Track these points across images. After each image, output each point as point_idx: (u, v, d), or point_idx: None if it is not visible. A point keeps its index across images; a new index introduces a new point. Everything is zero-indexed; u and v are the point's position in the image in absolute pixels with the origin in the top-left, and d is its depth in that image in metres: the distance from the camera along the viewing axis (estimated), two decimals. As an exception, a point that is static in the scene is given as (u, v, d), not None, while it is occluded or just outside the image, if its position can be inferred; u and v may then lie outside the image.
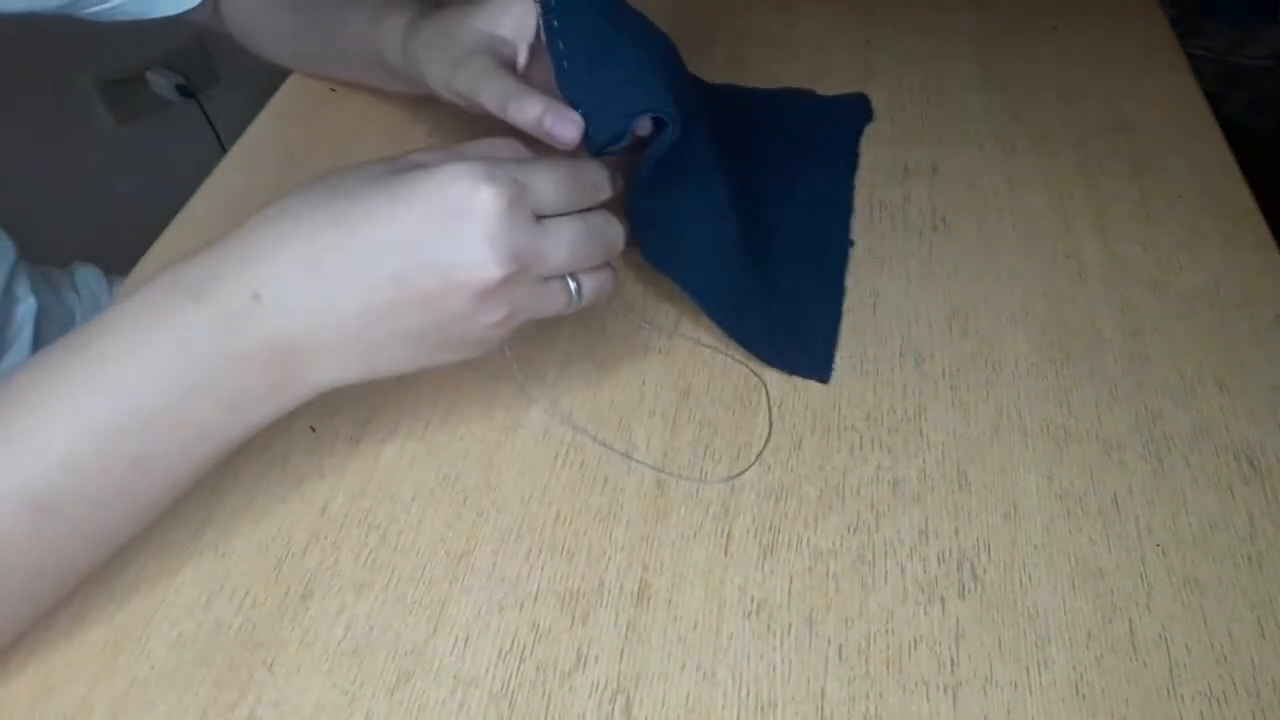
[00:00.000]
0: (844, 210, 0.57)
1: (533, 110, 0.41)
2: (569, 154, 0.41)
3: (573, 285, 0.39)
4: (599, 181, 0.40)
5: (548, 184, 0.37)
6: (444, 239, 0.35)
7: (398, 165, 0.37)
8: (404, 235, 0.35)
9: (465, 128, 0.63)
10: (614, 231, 0.40)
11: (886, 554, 0.40)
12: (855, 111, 0.65)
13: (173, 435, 0.35)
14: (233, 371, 0.35)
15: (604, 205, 0.40)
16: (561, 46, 0.43)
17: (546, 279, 0.38)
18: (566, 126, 0.41)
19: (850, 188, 0.58)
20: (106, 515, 0.36)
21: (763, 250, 0.52)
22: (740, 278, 0.48)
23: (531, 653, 0.37)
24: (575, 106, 0.41)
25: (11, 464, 0.33)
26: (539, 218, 0.37)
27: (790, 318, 0.50)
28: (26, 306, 0.63)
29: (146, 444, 0.35)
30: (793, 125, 0.62)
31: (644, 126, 0.41)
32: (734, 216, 0.48)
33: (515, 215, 0.35)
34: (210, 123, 1.40)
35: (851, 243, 0.55)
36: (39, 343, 0.64)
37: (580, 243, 0.38)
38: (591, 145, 0.41)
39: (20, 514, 0.33)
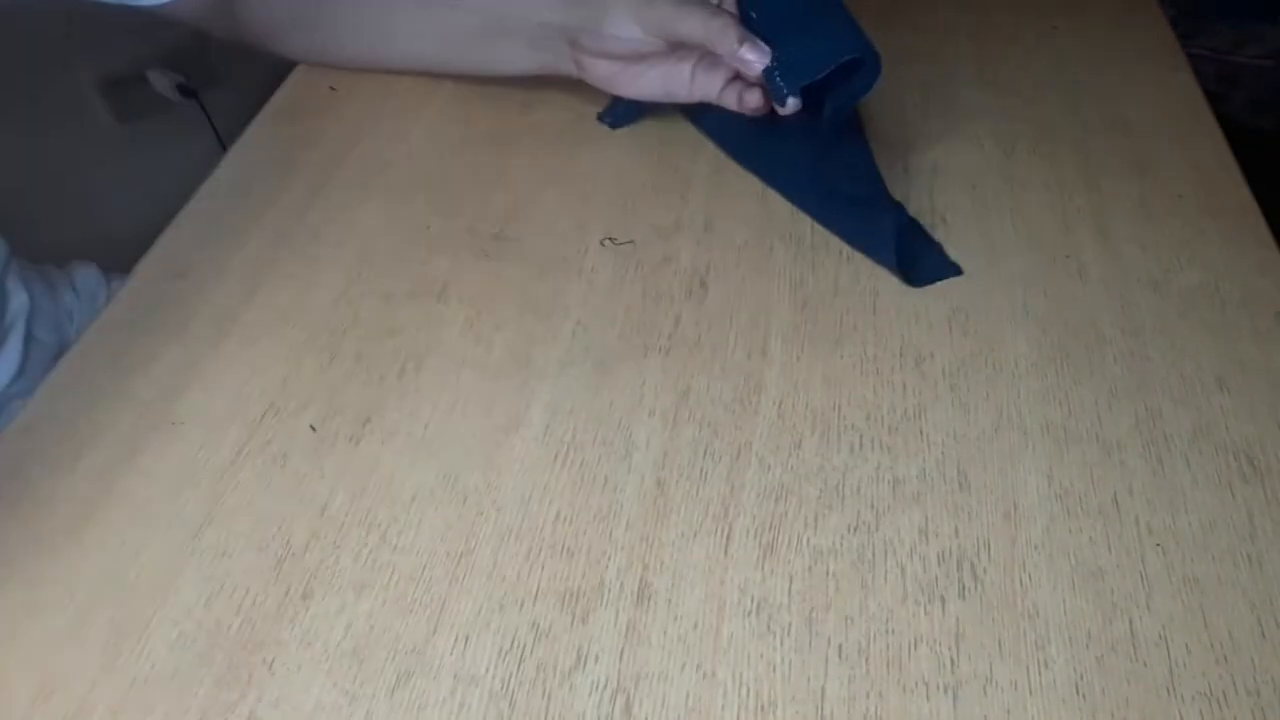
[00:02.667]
0: (858, 131, 0.59)
1: (733, 35, 0.45)
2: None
3: None
4: None
5: None
6: None
7: None
8: None
9: (462, 130, 0.63)
10: None
11: (886, 554, 0.40)
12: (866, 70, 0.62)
13: None
14: None
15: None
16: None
17: None
18: (759, 54, 0.45)
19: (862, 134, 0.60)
20: None
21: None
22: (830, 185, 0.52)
23: (531, 652, 0.38)
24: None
25: None
26: None
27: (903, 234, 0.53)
28: (18, 303, 0.63)
29: None
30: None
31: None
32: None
33: None
34: (210, 122, 1.39)
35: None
36: (29, 340, 0.64)
37: None
38: (775, 93, 0.46)
39: None
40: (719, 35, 0.45)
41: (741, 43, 0.45)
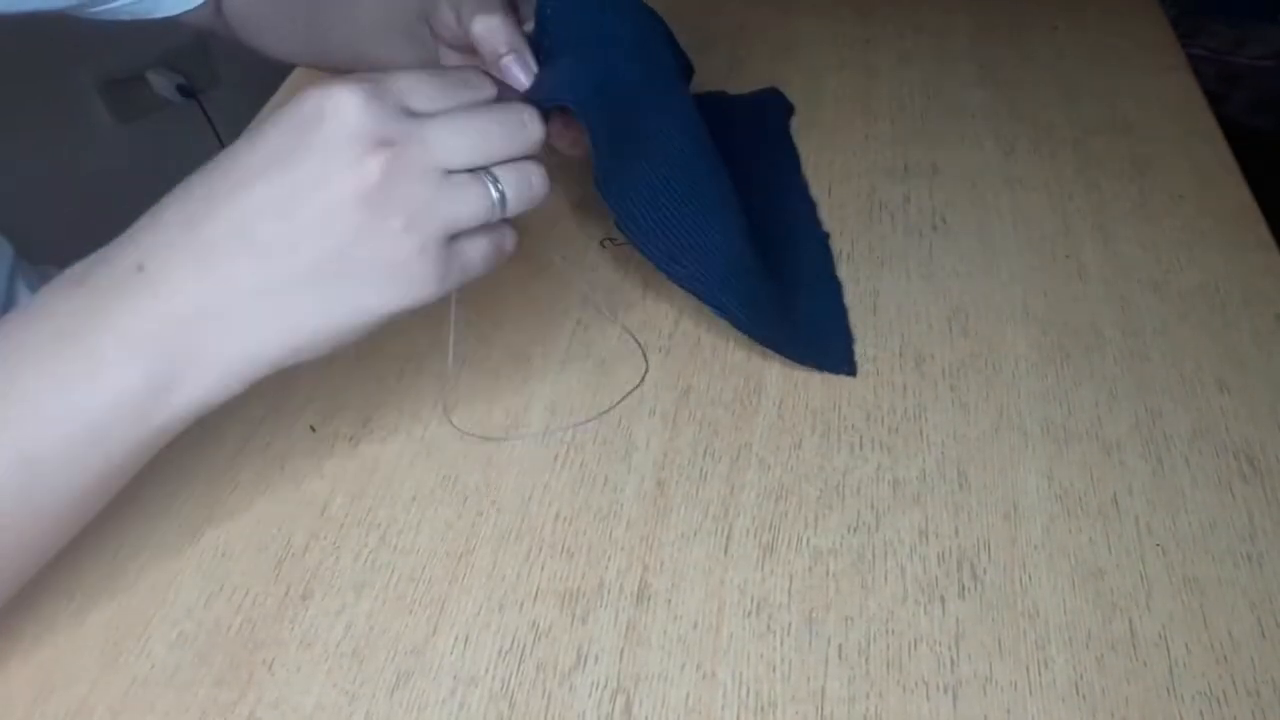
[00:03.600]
0: (806, 203, 0.57)
1: (502, 41, 0.41)
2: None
3: (488, 180, 0.35)
4: (472, 80, 0.36)
5: (408, 78, 0.34)
6: (305, 150, 0.32)
7: None
8: (266, 161, 0.33)
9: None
10: (521, 115, 0.36)
11: (886, 554, 0.40)
12: (776, 105, 0.64)
13: (62, 432, 0.32)
14: (119, 354, 0.32)
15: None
16: (545, 32, 0.43)
17: (451, 174, 0.34)
18: (520, 71, 0.41)
19: (802, 177, 0.59)
20: (12, 520, 0.33)
21: (760, 252, 0.52)
22: (755, 281, 0.48)
23: (531, 652, 0.37)
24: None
25: None
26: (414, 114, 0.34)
27: (804, 316, 0.50)
28: (25, 306, 0.63)
29: (34, 442, 0.32)
30: (728, 127, 0.59)
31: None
32: (741, 219, 0.47)
33: (376, 103, 0.33)
34: (210, 123, 1.40)
35: (826, 233, 0.55)
36: None
37: (472, 124, 0.34)
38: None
39: None
40: (483, 29, 0.41)
41: (507, 54, 0.41)
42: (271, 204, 0.32)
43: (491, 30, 0.41)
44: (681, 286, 0.45)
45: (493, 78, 0.38)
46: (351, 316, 0.34)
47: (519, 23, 0.44)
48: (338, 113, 0.32)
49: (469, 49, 0.47)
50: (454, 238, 0.35)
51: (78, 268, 0.34)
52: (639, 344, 0.49)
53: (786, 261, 0.53)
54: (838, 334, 0.49)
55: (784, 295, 0.50)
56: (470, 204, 0.35)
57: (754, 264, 0.47)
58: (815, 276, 0.52)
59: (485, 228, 0.36)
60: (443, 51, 0.50)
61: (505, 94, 0.39)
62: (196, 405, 0.34)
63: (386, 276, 0.34)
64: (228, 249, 0.33)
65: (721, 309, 0.46)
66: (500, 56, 0.41)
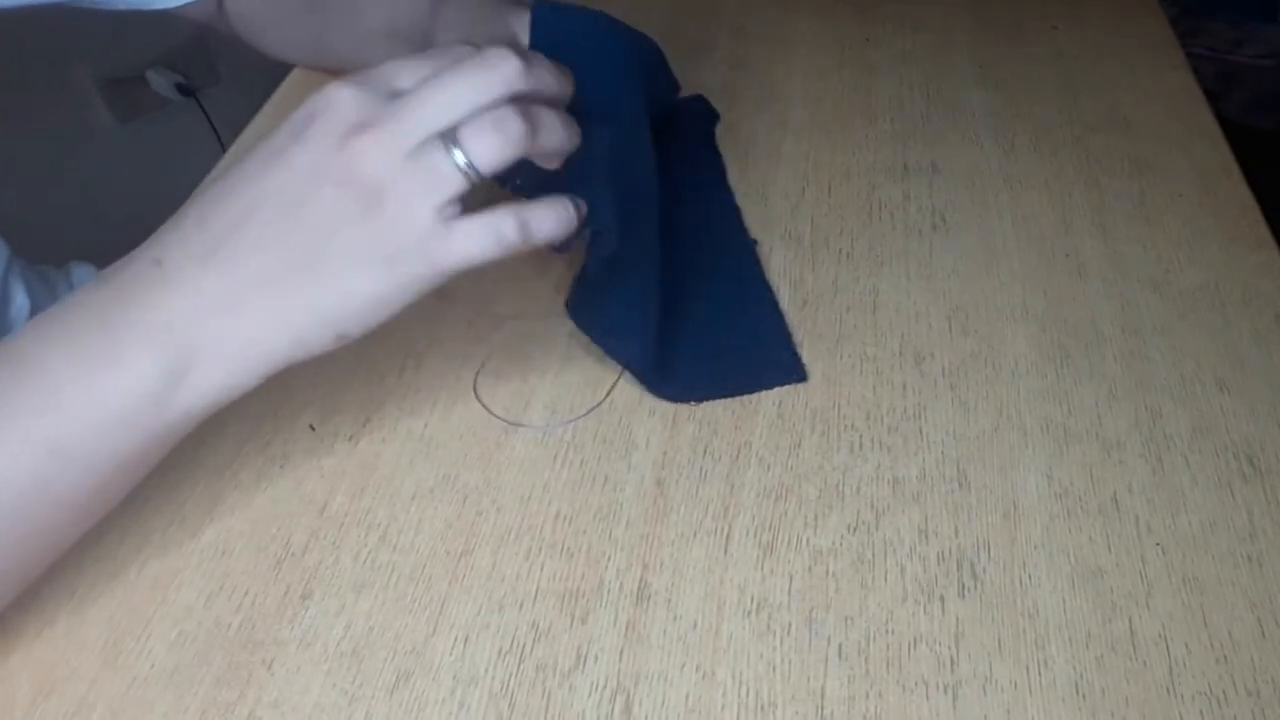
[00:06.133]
0: (731, 211, 0.56)
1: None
2: None
3: (450, 148, 0.34)
4: (460, 50, 0.35)
5: (400, 60, 0.35)
6: (300, 144, 0.34)
7: None
8: (268, 158, 0.34)
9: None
10: (492, 59, 0.34)
11: (886, 553, 0.40)
12: (701, 113, 0.63)
13: (85, 416, 0.34)
14: (139, 340, 0.34)
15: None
16: None
17: (422, 149, 0.33)
18: None
19: (727, 188, 0.57)
20: (31, 509, 0.34)
21: (674, 287, 0.50)
22: (670, 329, 0.47)
23: (531, 652, 0.37)
24: None
25: None
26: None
27: (739, 339, 0.49)
28: (20, 305, 0.63)
29: (58, 426, 0.33)
30: (658, 139, 0.56)
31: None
32: (658, 268, 0.47)
33: (363, 91, 0.34)
34: (210, 122, 1.39)
35: (754, 241, 0.54)
36: None
37: (443, 84, 0.34)
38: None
39: None
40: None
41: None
42: (268, 195, 0.34)
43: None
44: (613, 358, 0.46)
45: (522, 52, 0.37)
46: (346, 301, 0.35)
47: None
48: (329, 105, 0.34)
49: None
50: (450, 220, 0.34)
51: (109, 268, 0.36)
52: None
53: (714, 277, 0.52)
54: (777, 343, 0.48)
55: (711, 329, 0.49)
56: (436, 177, 0.34)
57: (668, 311, 0.47)
58: (745, 288, 0.51)
59: (486, 212, 0.35)
60: None
61: None
62: (211, 396, 0.35)
63: (377, 259, 0.34)
64: (231, 241, 0.34)
65: (651, 386, 0.46)
66: None
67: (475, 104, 0.34)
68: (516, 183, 0.39)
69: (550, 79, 0.36)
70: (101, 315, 0.34)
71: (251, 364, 0.35)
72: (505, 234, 0.35)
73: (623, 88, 0.48)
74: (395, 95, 0.34)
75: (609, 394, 0.47)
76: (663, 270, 0.48)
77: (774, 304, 0.50)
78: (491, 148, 0.34)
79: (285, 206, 0.34)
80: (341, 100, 0.34)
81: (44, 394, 0.34)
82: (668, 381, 0.46)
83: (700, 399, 0.46)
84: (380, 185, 0.33)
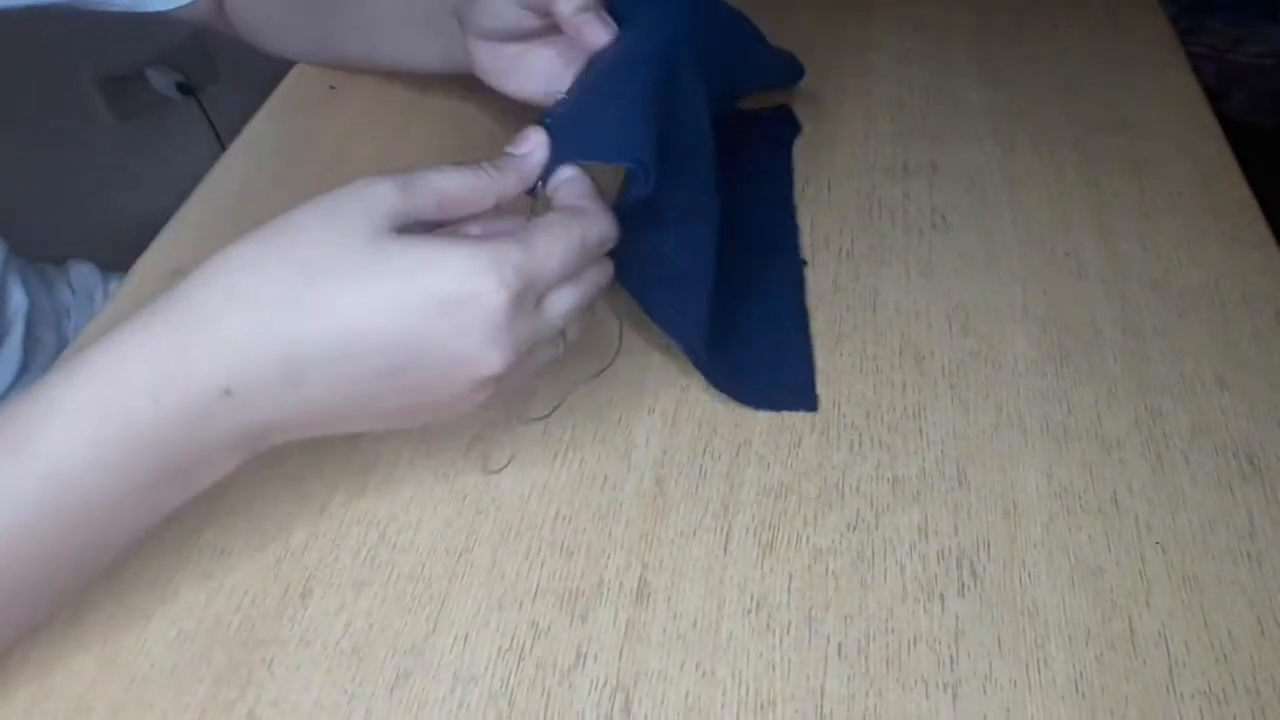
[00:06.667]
0: (789, 228, 0.55)
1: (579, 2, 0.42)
2: (572, 211, 0.37)
3: (561, 340, 0.37)
4: (606, 237, 0.37)
5: (554, 263, 0.34)
6: (447, 338, 0.32)
7: (377, 226, 0.33)
8: (402, 337, 0.32)
9: (460, 129, 0.63)
10: (605, 276, 0.38)
11: (886, 552, 0.40)
12: (784, 124, 0.63)
13: (123, 512, 0.34)
14: (192, 458, 0.33)
15: None
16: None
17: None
18: (601, 29, 0.42)
19: (792, 206, 0.57)
20: (48, 572, 0.34)
21: (724, 285, 0.50)
22: (714, 320, 0.47)
23: (531, 651, 0.37)
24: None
25: None
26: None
27: (762, 354, 0.48)
28: (17, 304, 0.63)
29: (93, 531, 0.33)
30: (734, 143, 0.57)
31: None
32: (714, 254, 0.46)
33: (521, 307, 0.33)
34: (210, 121, 1.39)
35: (804, 261, 0.53)
36: (29, 340, 0.64)
37: (577, 310, 0.36)
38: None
39: None
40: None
41: (584, 9, 0.42)
42: (391, 370, 0.33)
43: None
44: (670, 336, 0.46)
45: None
46: (389, 429, 0.37)
47: None
48: (489, 311, 0.32)
49: (514, 38, 0.47)
50: None
51: (142, 365, 0.32)
52: (619, 322, 0.48)
53: (753, 289, 0.51)
54: (797, 366, 0.48)
55: (737, 339, 0.49)
56: (542, 365, 0.37)
57: (715, 302, 0.47)
58: (782, 306, 0.51)
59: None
60: (475, 45, 0.50)
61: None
62: (238, 463, 0.36)
63: (440, 415, 0.36)
64: (324, 395, 0.33)
65: (698, 364, 0.46)
66: (578, 11, 0.42)
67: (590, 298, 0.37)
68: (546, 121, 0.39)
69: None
70: (161, 446, 0.32)
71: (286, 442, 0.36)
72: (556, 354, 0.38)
73: (677, 40, 0.47)
74: (540, 294, 0.35)
75: (615, 355, 0.46)
76: (718, 251, 0.46)
77: (806, 329, 0.50)
78: (581, 322, 0.38)
79: (406, 391, 0.34)
80: (501, 302, 0.32)
81: (103, 524, 0.33)
82: (709, 359, 0.46)
83: (722, 391, 0.46)
84: (508, 387, 0.36)
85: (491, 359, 0.33)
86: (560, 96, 0.42)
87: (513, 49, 0.49)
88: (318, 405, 0.33)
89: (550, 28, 0.45)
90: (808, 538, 0.41)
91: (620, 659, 0.37)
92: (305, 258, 0.32)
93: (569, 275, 0.36)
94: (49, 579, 0.34)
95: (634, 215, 0.39)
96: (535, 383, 0.38)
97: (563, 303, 0.36)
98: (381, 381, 0.33)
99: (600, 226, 0.37)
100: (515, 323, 0.33)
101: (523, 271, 0.33)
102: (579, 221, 0.36)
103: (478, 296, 0.32)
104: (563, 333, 0.37)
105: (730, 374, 0.47)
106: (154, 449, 0.32)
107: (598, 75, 0.43)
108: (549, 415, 0.45)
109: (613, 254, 0.39)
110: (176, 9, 0.61)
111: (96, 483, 0.32)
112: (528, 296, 0.34)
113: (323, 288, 0.32)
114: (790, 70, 0.63)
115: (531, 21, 0.46)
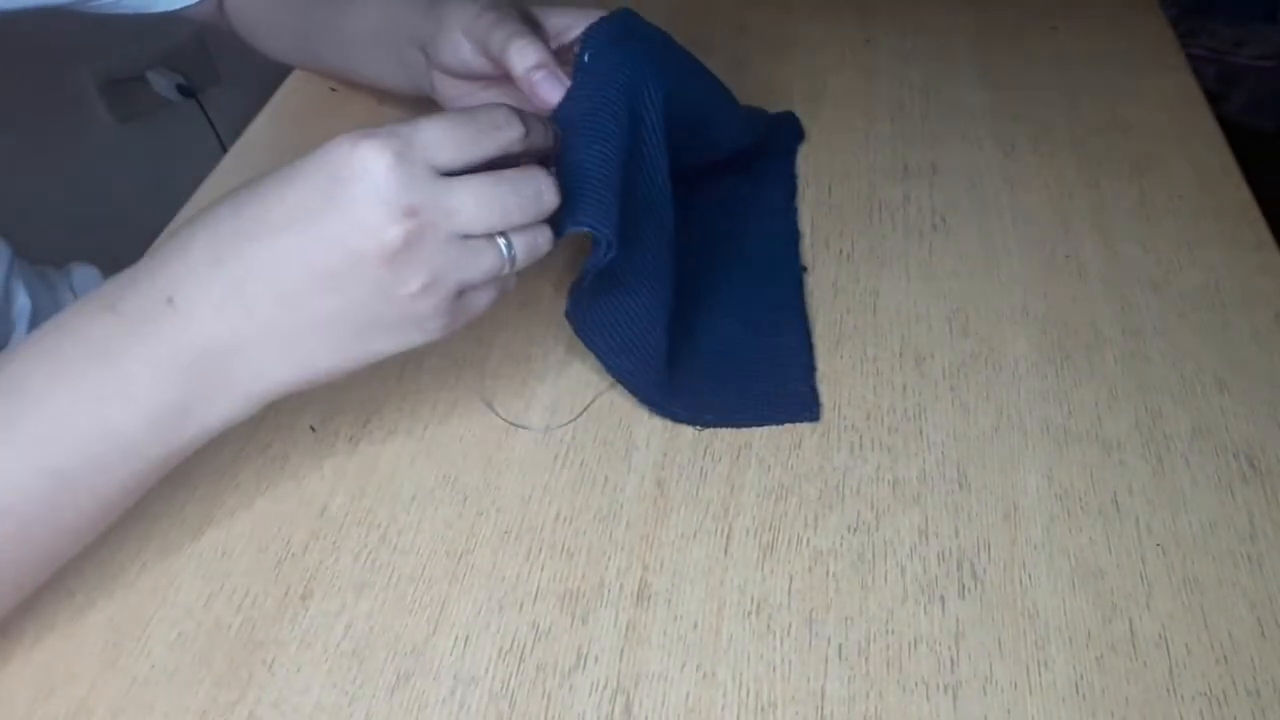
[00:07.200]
0: (790, 235, 0.55)
1: (532, 57, 0.42)
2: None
3: (502, 242, 0.36)
4: (501, 120, 0.36)
5: (436, 130, 0.35)
6: (333, 208, 0.33)
7: None
8: (294, 211, 0.34)
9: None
10: (539, 184, 0.37)
11: (886, 554, 0.40)
12: (788, 131, 0.62)
13: (94, 448, 0.34)
14: (151, 378, 0.34)
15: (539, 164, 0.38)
16: (578, 79, 0.42)
17: (467, 238, 0.35)
18: (552, 87, 0.42)
19: (793, 211, 0.57)
20: (35, 533, 0.35)
21: (712, 301, 0.50)
22: (711, 339, 0.47)
23: (531, 652, 0.38)
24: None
25: None
26: (442, 174, 0.35)
27: (763, 368, 0.48)
28: (21, 306, 0.64)
29: (67, 456, 0.34)
30: (728, 149, 0.57)
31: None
32: (670, 289, 0.46)
33: (404, 167, 0.33)
34: (210, 123, 1.39)
35: (804, 269, 0.53)
36: None
37: (494, 194, 0.35)
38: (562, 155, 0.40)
39: None
40: (515, 53, 0.42)
41: (538, 69, 0.42)
42: (296, 254, 0.34)
43: (523, 51, 0.43)
44: (620, 381, 0.46)
45: (519, 112, 0.37)
46: (362, 358, 0.37)
47: (548, 42, 0.45)
48: (366, 174, 0.33)
49: (473, 77, 0.47)
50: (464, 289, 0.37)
51: (108, 290, 0.35)
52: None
53: (752, 297, 0.51)
54: (798, 376, 0.47)
55: (737, 349, 0.48)
56: (484, 266, 0.36)
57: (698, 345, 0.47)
58: (781, 314, 0.50)
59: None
60: (437, 77, 0.50)
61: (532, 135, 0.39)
62: (218, 424, 0.36)
63: (400, 328, 0.36)
64: (253, 291, 0.34)
65: (654, 406, 0.46)
66: (532, 70, 0.42)
67: (523, 220, 0.37)
68: None
69: (542, 139, 0.39)
70: (106, 349, 0.34)
71: (260, 397, 0.36)
72: (507, 287, 0.39)
73: (649, 108, 0.47)
74: (437, 174, 0.34)
75: (594, 400, 0.47)
76: (678, 291, 0.46)
77: (807, 335, 0.49)
78: (531, 254, 0.38)
79: (320, 276, 0.34)
80: (380, 170, 0.33)
81: (49, 424, 0.34)
82: (675, 400, 0.46)
83: (708, 425, 0.45)
84: (426, 268, 0.34)
85: (382, 223, 0.33)
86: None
87: (473, 84, 0.50)
88: (254, 305, 0.34)
89: (507, 75, 0.45)
90: (808, 540, 0.41)
91: (621, 661, 0.37)
92: (233, 192, 0.36)
93: (465, 144, 0.35)
94: (30, 524, 0.34)
95: (597, 277, 0.41)
96: (484, 306, 0.38)
97: (473, 181, 0.35)
98: (296, 269, 0.34)
99: (492, 108, 0.37)
100: (400, 182, 0.33)
101: (397, 133, 0.34)
102: (473, 109, 0.37)
103: (348, 159, 0.33)
104: (503, 236, 0.36)
105: (724, 398, 0.46)
106: (109, 361, 0.34)
107: (573, 154, 0.41)
108: (573, 421, 0.45)
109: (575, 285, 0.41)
110: (184, 8, 0.61)
111: (63, 396, 0.34)
112: (409, 158, 0.34)
113: (236, 199, 0.35)
114: (788, 131, 0.63)
115: (488, 68, 0.46)
